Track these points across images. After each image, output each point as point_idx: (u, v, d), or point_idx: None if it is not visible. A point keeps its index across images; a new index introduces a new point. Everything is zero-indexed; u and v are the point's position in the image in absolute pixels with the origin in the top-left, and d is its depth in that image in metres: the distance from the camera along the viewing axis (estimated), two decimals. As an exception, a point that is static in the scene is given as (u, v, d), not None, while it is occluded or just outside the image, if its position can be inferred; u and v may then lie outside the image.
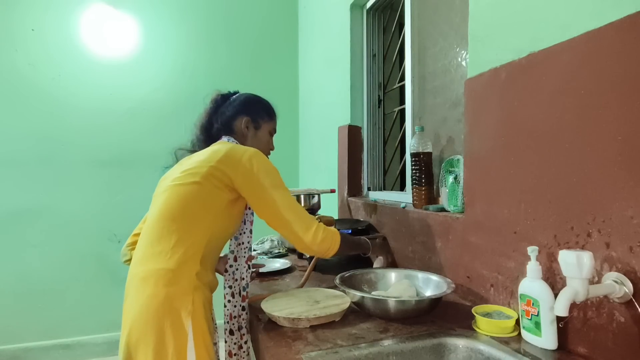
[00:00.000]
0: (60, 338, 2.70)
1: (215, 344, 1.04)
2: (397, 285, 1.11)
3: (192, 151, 1.21)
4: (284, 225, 1.03)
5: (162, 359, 0.88)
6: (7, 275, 2.61)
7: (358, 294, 0.99)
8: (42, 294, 2.66)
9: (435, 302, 0.97)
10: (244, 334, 1.10)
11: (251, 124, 1.24)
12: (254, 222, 1.16)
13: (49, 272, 2.68)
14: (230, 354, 1.10)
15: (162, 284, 0.92)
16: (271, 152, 1.31)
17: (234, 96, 1.30)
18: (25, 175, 2.63)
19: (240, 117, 1.23)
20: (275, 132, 1.31)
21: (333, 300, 1.05)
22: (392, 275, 1.21)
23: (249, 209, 1.14)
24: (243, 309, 1.11)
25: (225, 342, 1.11)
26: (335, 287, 1.11)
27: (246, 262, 1.14)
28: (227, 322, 1.10)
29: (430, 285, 1.12)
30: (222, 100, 1.28)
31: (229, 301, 1.10)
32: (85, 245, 2.75)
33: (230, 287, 1.12)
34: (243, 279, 1.13)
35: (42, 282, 2.66)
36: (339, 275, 1.14)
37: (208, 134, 1.25)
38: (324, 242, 1.04)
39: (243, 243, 1.15)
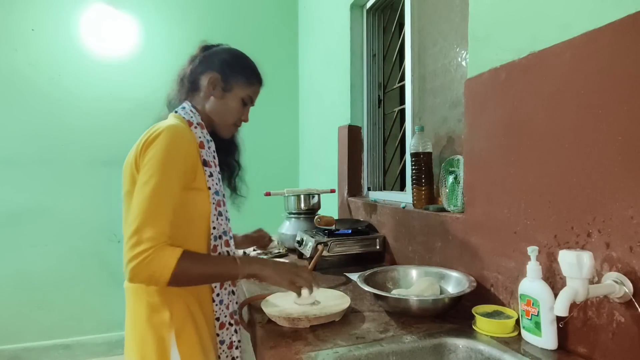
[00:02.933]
0: (60, 338, 2.70)
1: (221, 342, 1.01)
2: (420, 283, 1.10)
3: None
4: (126, 226, 0.84)
5: None
6: (7, 275, 2.61)
7: (398, 295, 0.98)
8: (42, 294, 2.66)
9: (458, 299, 0.97)
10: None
11: (220, 83, 1.03)
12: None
13: (49, 272, 2.68)
14: None
15: (141, 295, 0.92)
16: (242, 124, 1.13)
17: (215, 48, 1.09)
18: (25, 175, 2.64)
19: (209, 72, 1.03)
20: (251, 102, 1.10)
21: (333, 300, 1.05)
22: (414, 272, 1.20)
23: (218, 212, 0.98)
24: (236, 333, 1.03)
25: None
26: (336, 287, 1.11)
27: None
28: (226, 352, 1.03)
29: (451, 282, 1.11)
30: (201, 51, 1.09)
31: (226, 330, 1.01)
32: (85, 245, 2.75)
33: (217, 319, 0.99)
34: (229, 305, 1.02)
35: (42, 282, 2.66)
36: (359, 274, 1.13)
37: (178, 90, 1.07)
38: (140, 271, 0.79)
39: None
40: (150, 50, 2.86)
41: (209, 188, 0.96)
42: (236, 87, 1.05)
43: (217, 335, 1.00)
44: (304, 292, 0.99)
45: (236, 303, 1.06)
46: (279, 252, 1.83)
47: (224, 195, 1.03)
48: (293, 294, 1.01)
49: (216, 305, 0.99)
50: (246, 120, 1.11)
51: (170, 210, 0.85)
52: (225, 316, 1.01)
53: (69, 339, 2.72)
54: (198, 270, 0.86)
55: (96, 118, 2.76)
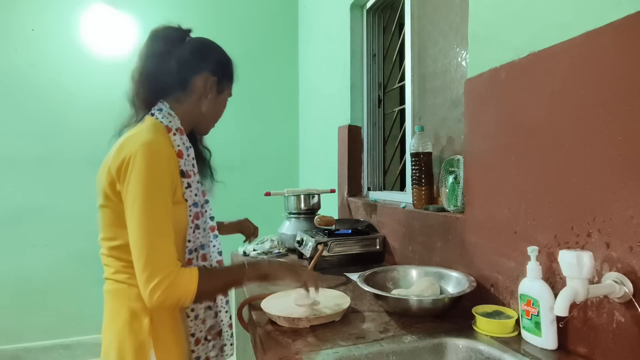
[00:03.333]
0: (60, 338, 2.70)
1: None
2: (420, 283, 1.10)
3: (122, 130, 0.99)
4: (134, 258, 0.81)
5: None
6: (7, 275, 2.61)
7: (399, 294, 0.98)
8: (42, 294, 2.66)
9: (458, 299, 0.97)
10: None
11: (215, 86, 0.99)
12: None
13: (49, 272, 2.68)
14: None
15: (122, 299, 0.90)
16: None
17: (192, 39, 1.00)
18: (25, 175, 2.64)
19: (205, 74, 0.97)
20: (231, 95, 1.08)
21: (333, 300, 1.05)
22: (414, 272, 1.20)
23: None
24: (213, 348, 1.01)
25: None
26: (336, 287, 1.11)
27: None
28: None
29: (451, 282, 1.11)
30: (177, 41, 0.97)
31: (201, 345, 0.98)
32: (85, 245, 2.74)
33: (192, 334, 0.96)
34: (205, 320, 0.98)
35: (42, 282, 2.66)
36: (359, 274, 1.13)
37: (152, 88, 0.95)
38: (166, 298, 0.79)
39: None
40: (150, 50, 2.86)
41: (186, 200, 0.91)
42: (226, 87, 1.04)
43: (193, 351, 0.97)
44: (304, 292, 0.99)
45: (214, 318, 1.02)
46: (279, 252, 1.83)
47: (203, 205, 0.98)
48: (293, 294, 1.03)
49: (191, 320, 0.96)
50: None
51: (171, 231, 0.84)
52: (201, 331, 0.98)
53: (69, 339, 2.72)
54: (214, 284, 0.89)
55: (96, 118, 2.75)
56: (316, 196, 1.94)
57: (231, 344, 1.08)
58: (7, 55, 2.59)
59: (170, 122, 0.93)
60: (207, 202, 1.04)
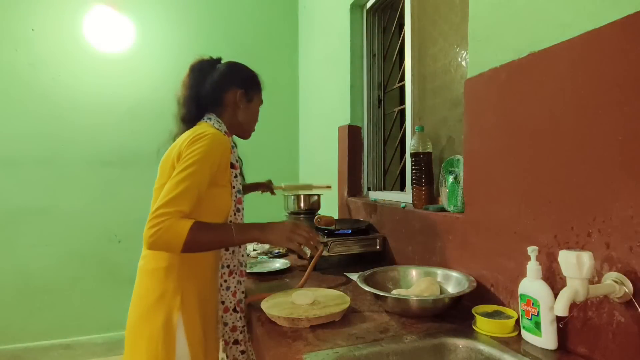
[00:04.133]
0: (60, 338, 2.70)
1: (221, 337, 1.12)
2: (420, 283, 1.10)
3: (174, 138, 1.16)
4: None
5: (153, 350, 0.98)
6: (7, 275, 2.61)
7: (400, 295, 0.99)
8: (42, 293, 2.66)
9: (458, 299, 0.97)
10: (243, 342, 1.14)
11: (244, 97, 1.19)
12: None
13: (49, 272, 2.68)
14: None
15: (156, 279, 1.03)
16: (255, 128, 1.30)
17: (220, 65, 1.23)
18: (25, 175, 2.64)
19: (233, 89, 1.18)
20: (262, 102, 1.29)
21: (333, 300, 1.05)
22: (414, 272, 1.20)
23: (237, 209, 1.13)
24: (240, 319, 1.13)
25: (227, 353, 1.13)
26: (336, 287, 1.11)
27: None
28: (229, 334, 1.13)
29: (451, 282, 1.11)
30: (209, 68, 1.20)
31: (230, 314, 1.12)
32: (85, 245, 2.75)
33: (222, 302, 1.12)
34: (236, 293, 1.13)
35: (42, 282, 2.66)
36: (359, 274, 1.13)
37: (196, 108, 1.17)
38: (158, 238, 0.90)
39: (235, 253, 1.14)
40: (150, 50, 2.86)
41: (234, 187, 1.11)
42: (255, 96, 1.24)
43: (222, 317, 1.12)
44: (304, 292, 1.04)
45: (243, 292, 1.15)
46: (279, 252, 1.83)
47: (242, 193, 1.17)
48: (293, 294, 1.04)
49: (223, 290, 1.12)
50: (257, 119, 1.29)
51: (195, 196, 0.97)
52: (231, 302, 1.12)
53: (69, 339, 2.72)
54: (206, 237, 0.97)
55: (96, 118, 2.76)
56: (316, 196, 1.94)
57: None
58: (8, 55, 2.59)
59: (219, 127, 1.14)
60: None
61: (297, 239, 1.03)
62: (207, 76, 1.18)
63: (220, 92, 1.17)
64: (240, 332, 1.13)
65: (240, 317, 1.13)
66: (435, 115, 1.53)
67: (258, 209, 2.21)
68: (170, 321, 0.99)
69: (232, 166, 1.11)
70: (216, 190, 1.05)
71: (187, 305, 1.02)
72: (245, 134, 1.27)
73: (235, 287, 1.13)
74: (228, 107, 1.18)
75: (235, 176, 1.12)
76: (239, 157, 1.19)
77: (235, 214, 1.11)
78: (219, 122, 1.15)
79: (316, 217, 1.62)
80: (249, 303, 1.14)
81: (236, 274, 1.13)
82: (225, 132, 1.14)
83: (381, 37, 2.04)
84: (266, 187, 1.78)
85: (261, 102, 1.28)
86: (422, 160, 1.38)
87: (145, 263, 1.06)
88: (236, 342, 1.12)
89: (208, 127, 1.09)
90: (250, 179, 1.41)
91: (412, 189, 1.42)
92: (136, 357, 1.01)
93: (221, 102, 1.18)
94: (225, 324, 1.12)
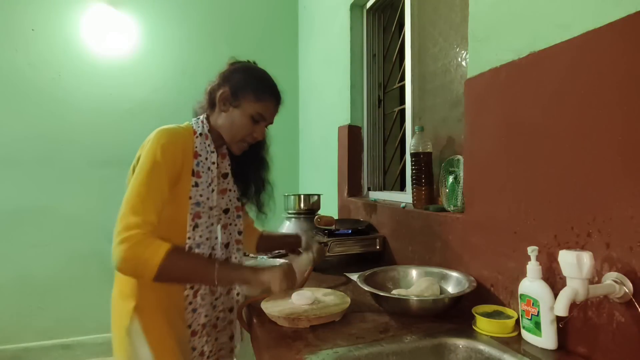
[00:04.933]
0: (60, 338, 2.70)
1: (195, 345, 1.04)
2: (420, 283, 1.10)
3: None
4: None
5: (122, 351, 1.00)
6: (7, 275, 2.61)
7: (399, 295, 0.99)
8: (42, 294, 2.66)
9: (458, 299, 0.97)
10: None
11: (229, 97, 1.03)
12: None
13: (49, 272, 2.68)
14: None
15: (117, 281, 1.06)
16: (262, 143, 1.16)
17: (237, 64, 1.10)
18: (25, 175, 2.64)
19: (223, 87, 1.04)
20: (263, 119, 1.07)
21: (333, 300, 1.05)
22: (414, 272, 1.20)
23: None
24: (207, 344, 1.06)
25: None
26: (336, 287, 1.11)
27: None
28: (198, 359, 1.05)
29: (451, 282, 1.11)
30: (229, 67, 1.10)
31: (198, 338, 1.04)
32: (85, 245, 2.75)
33: (189, 326, 1.02)
34: (201, 315, 1.02)
35: (42, 282, 2.66)
36: (359, 274, 1.13)
37: (202, 107, 1.11)
38: (125, 259, 0.86)
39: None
40: (150, 50, 2.86)
41: (190, 198, 0.98)
42: (245, 103, 1.04)
43: (190, 340, 1.02)
44: (304, 292, 1.02)
45: (211, 311, 1.07)
46: (279, 252, 1.83)
47: (211, 208, 1.03)
48: (293, 295, 1.04)
49: (188, 313, 1.02)
50: (259, 137, 1.10)
51: (158, 202, 0.90)
52: (198, 324, 1.03)
53: (69, 339, 2.72)
54: (182, 269, 0.90)
55: (96, 118, 2.76)
56: (316, 196, 1.94)
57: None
58: (7, 55, 2.58)
59: (198, 127, 1.04)
60: (226, 211, 1.10)
61: (283, 285, 0.97)
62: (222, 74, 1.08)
63: (215, 90, 1.06)
64: (208, 358, 1.05)
65: (206, 341, 1.04)
66: (435, 115, 1.53)
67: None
68: (130, 328, 0.98)
69: (193, 173, 0.98)
70: (170, 197, 0.95)
71: (145, 311, 0.97)
72: (228, 144, 1.09)
73: (201, 309, 1.02)
74: (215, 107, 1.06)
75: (196, 185, 0.99)
76: (235, 175, 1.10)
77: (193, 229, 0.98)
78: (202, 122, 1.05)
79: (316, 217, 1.62)
80: (249, 303, 1.14)
81: (205, 294, 1.03)
82: (202, 133, 1.03)
83: (381, 37, 2.04)
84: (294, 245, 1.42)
85: (257, 114, 1.06)
86: (422, 160, 1.38)
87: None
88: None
89: (174, 125, 1.02)
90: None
91: (412, 189, 1.42)
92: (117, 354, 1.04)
93: (214, 102, 1.06)
94: (194, 349, 1.03)
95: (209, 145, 1.03)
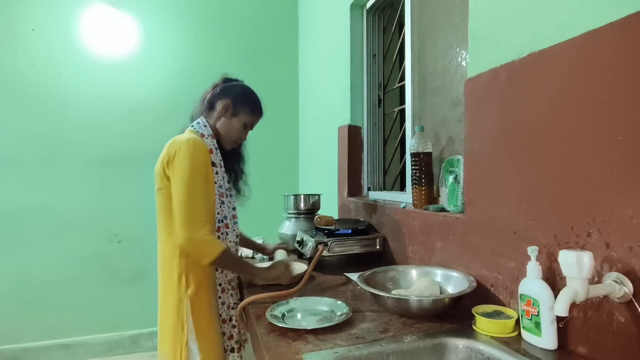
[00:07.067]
0: (60, 338, 2.70)
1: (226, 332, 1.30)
2: (420, 283, 1.10)
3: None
4: (176, 217, 1.15)
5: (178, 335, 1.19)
6: (7, 275, 2.61)
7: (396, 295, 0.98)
8: (42, 294, 2.66)
9: (458, 299, 0.97)
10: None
11: (230, 108, 1.33)
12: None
13: (49, 272, 2.68)
14: None
15: (167, 271, 1.23)
16: (242, 142, 1.43)
17: (234, 82, 1.41)
18: (25, 175, 2.64)
19: (224, 98, 1.33)
20: (251, 127, 1.40)
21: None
22: (414, 272, 1.20)
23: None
24: (234, 328, 1.32)
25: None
26: (336, 287, 1.10)
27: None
28: (227, 342, 1.31)
29: (452, 281, 1.11)
30: (223, 83, 1.39)
31: (226, 324, 1.31)
32: (85, 245, 2.75)
33: (220, 315, 1.29)
34: (230, 306, 1.31)
35: (42, 282, 2.66)
36: (359, 274, 1.13)
37: (199, 108, 1.38)
38: (195, 248, 1.14)
39: (224, 271, 1.32)
40: (149, 50, 2.86)
41: (215, 182, 1.27)
42: (242, 114, 1.35)
43: (221, 327, 1.29)
44: (295, 264, 1.39)
45: (236, 303, 1.33)
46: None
47: (228, 189, 1.34)
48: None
49: (219, 305, 1.30)
50: (244, 139, 1.42)
51: (204, 202, 1.19)
52: (227, 315, 1.31)
53: (69, 339, 2.72)
54: (228, 267, 1.29)
55: (96, 118, 2.76)
56: (316, 196, 1.94)
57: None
58: (7, 55, 2.58)
59: (203, 130, 1.31)
60: (231, 195, 1.39)
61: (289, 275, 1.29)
62: (217, 86, 1.38)
63: (215, 99, 1.34)
64: (236, 342, 1.31)
65: (233, 327, 1.31)
66: (435, 115, 1.53)
67: (258, 209, 2.21)
68: (182, 302, 1.21)
69: (213, 164, 1.27)
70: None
71: (195, 286, 1.22)
72: (222, 142, 1.36)
73: (229, 301, 1.31)
74: (215, 113, 1.34)
75: (217, 173, 1.28)
76: (221, 159, 1.34)
77: (220, 207, 1.28)
78: (205, 126, 1.31)
79: (316, 217, 1.61)
80: (249, 303, 1.14)
81: (228, 289, 1.32)
82: (209, 134, 1.30)
83: (381, 37, 2.04)
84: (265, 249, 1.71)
85: (249, 124, 1.37)
86: (422, 160, 1.38)
87: (161, 255, 1.26)
88: (232, 350, 1.31)
89: (187, 134, 1.25)
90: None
91: (412, 189, 1.42)
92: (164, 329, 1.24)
93: (213, 107, 1.34)
94: (224, 334, 1.29)
95: (214, 143, 1.31)
